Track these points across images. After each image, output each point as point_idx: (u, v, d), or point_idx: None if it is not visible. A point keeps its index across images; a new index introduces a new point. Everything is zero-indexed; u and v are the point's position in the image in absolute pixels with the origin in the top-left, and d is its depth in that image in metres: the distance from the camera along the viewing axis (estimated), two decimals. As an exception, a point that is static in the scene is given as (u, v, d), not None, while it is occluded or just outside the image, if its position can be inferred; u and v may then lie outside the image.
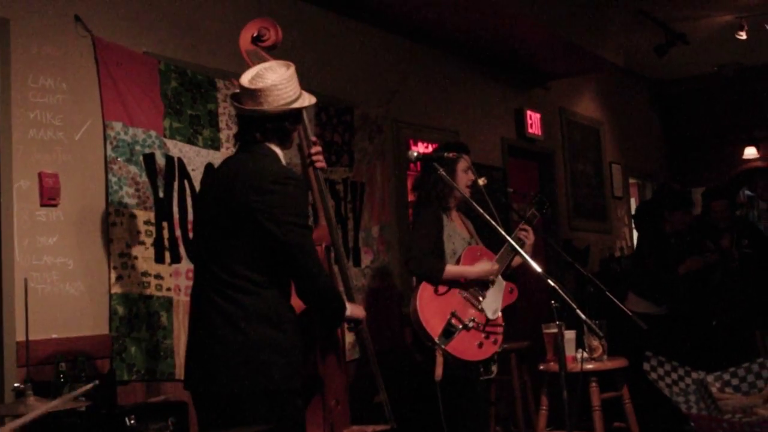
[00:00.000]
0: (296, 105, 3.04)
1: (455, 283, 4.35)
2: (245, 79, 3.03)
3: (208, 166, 4.60)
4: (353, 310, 3.34)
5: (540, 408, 4.84)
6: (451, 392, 4.25)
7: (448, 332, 4.23)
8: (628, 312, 3.80)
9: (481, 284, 4.43)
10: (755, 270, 6.40)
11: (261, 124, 3.02)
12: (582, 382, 4.55)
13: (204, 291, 2.95)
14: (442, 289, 4.33)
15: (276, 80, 2.99)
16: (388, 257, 5.98)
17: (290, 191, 2.93)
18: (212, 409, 2.94)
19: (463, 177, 4.49)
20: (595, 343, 4.62)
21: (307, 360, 3.22)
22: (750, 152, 10.82)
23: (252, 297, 2.89)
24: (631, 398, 4.81)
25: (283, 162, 3.10)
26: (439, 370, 4.14)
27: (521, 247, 4.46)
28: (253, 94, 2.98)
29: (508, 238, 3.42)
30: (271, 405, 2.87)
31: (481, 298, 4.40)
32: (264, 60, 3.28)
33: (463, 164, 4.50)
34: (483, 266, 4.40)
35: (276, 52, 3.35)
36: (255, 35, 3.32)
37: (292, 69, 3.07)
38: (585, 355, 4.57)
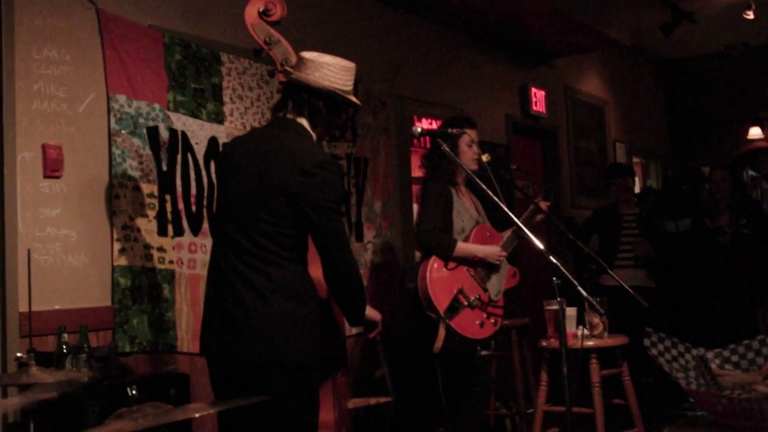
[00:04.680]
0: (338, 92, 3.03)
1: (464, 260, 4.37)
2: (307, 52, 3.07)
3: (212, 140, 4.62)
4: (370, 311, 3.34)
5: (540, 384, 4.85)
6: (451, 367, 4.28)
7: (454, 308, 4.27)
8: (630, 289, 3.81)
9: (488, 265, 4.45)
10: (755, 249, 6.41)
11: (297, 94, 3.05)
12: (582, 358, 4.58)
13: (229, 261, 2.94)
14: (452, 264, 4.36)
15: (330, 62, 3.03)
16: (391, 232, 5.99)
17: (331, 177, 2.95)
18: (229, 378, 2.95)
19: (468, 151, 4.50)
20: (596, 320, 4.63)
21: (330, 335, 3.22)
22: (755, 132, 10.80)
23: (279, 270, 2.90)
24: (630, 375, 4.83)
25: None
26: (438, 344, 4.19)
27: (532, 218, 4.53)
28: (304, 63, 3.04)
29: (510, 213, 3.41)
30: (289, 378, 2.88)
31: (487, 278, 4.44)
32: (269, 34, 3.31)
33: (466, 139, 4.50)
34: (493, 248, 4.42)
35: (281, 27, 3.36)
36: (261, 10, 3.34)
37: (353, 66, 3.09)
38: (585, 332, 4.59)
